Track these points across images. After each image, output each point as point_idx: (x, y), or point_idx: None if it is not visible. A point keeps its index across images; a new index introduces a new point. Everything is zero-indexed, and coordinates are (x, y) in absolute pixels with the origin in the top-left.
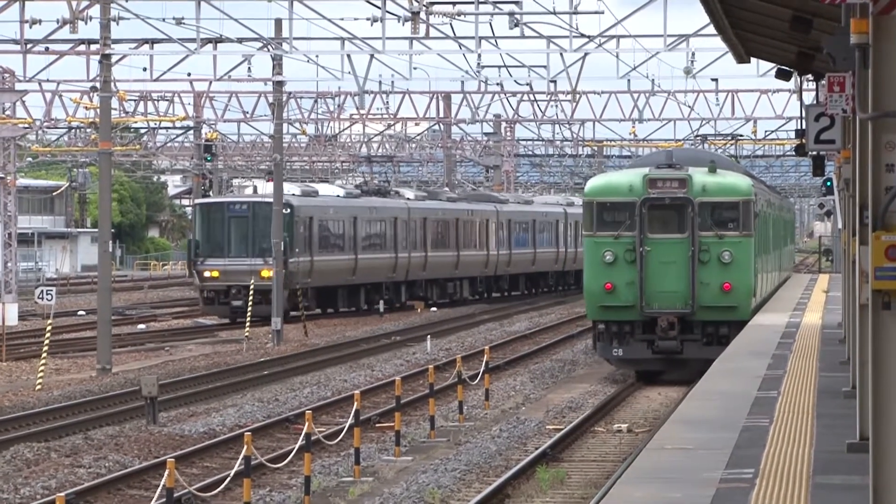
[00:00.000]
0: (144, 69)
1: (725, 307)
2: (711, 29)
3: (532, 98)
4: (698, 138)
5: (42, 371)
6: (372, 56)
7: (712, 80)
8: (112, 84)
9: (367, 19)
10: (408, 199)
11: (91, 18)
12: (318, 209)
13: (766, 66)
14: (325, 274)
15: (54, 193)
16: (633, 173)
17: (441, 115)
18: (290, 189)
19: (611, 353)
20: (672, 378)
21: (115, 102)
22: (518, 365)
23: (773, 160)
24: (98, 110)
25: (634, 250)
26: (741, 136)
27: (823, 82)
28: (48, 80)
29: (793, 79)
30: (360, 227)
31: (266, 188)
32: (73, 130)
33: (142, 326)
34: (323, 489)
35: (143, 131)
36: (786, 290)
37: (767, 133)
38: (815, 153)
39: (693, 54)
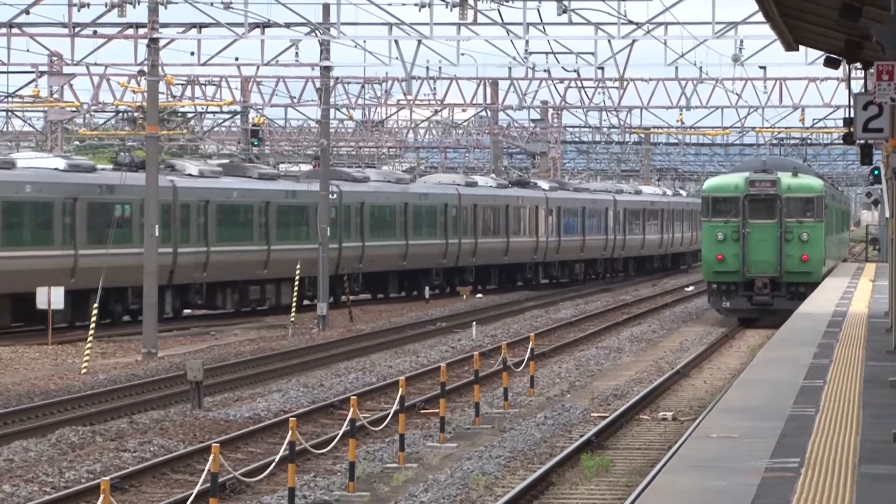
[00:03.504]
0: (192, 53)
1: (804, 272)
2: (760, 16)
3: (579, 85)
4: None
5: (88, 355)
6: (419, 42)
7: (760, 67)
8: (160, 68)
9: (415, 5)
10: (189, 175)
11: (139, 2)
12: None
13: (814, 54)
14: (8, 277)
15: None
16: (737, 176)
17: (488, 101)
18: None
19: (720, 304)
20: (764, 323)
21: (162, 86)
22: (563, 352)
23: (820, 149)
24: (145, 94)
25: (738, 231)
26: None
27: (872, 71)
28: (96, 64)
29: (841, 67)
30: (82, 212)
31: None
32: (121, 114)
33: None
34: (367, 475)
35: (190, 116)
36: (833, 279)
37: (815, 121)
38: (862, 142)
39: (741, 42)
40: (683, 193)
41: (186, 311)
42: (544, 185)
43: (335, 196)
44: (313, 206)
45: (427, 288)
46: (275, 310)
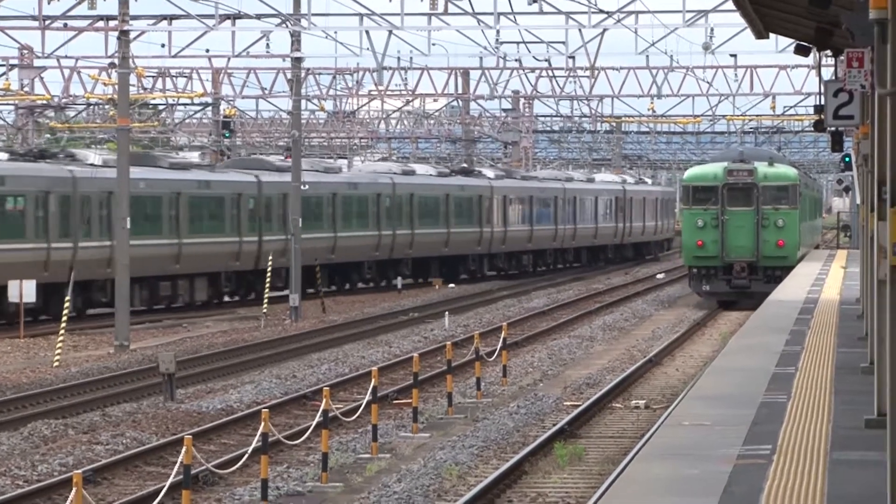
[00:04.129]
0: (163, 45)
1: (779, 257)
2: (730, 4)
3: (550, 74)
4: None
5: (60, 348)
6: (390, 32)
7: (731, 55)
8: (130, 60)
9: None
10: (91, 164)
11: None
12: None
13: (784, 41)
14: None
15: None
16: (716, 166)
17: (459, 91)
18: None
19: (700, 288)
20: (742, 306)
21: (133, 79)
22: (536, 341)
23: (791, 136)
24: (116, 87)
25: (717, 218)
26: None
27: (842, 58)
28: (66, 57)
29: (812, 54)
30: None
31: None
32: (92, 107)
33: None
34: (340, 466)
35: (161, 108)
36: (806, 265)
37: (786, 109)
38: (833, 129)
39: (712, 30)
40: (649, 181)
41: (90, 311)
42: (489, 173)
43: (254, 186)
44: (230, 196)
45: (399, 278)
46: (191, 306)
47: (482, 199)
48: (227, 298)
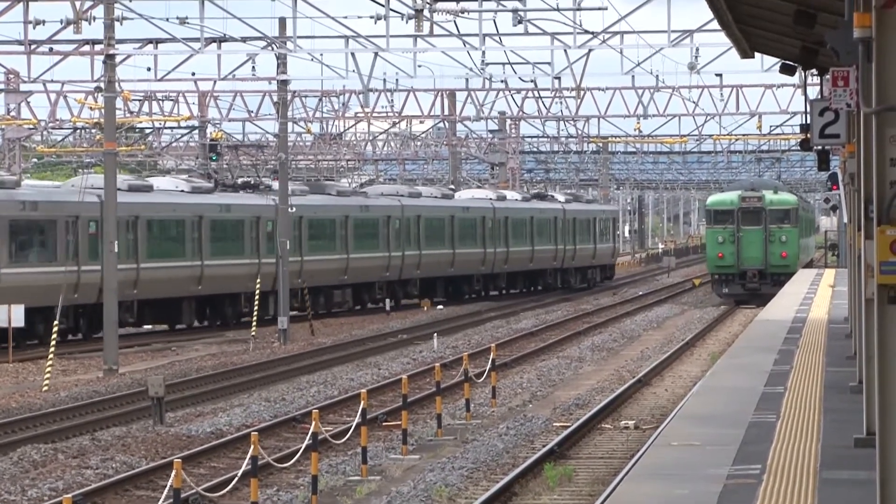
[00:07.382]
0: (149, 69)
1: (784, 265)
2: (715, 24)
3: (536, 95)
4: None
5: (48, 372)
6: (376, 54)
7: (716, 75)
8: (116, 84)
9: (371, 17)
10: None
11: (95, 19)
12: None
13: (770, 60)
14: None
15: None
16: (732, 194)
17: (446, 112)
18: None
19: (721, 290)
20: (755, 304)
21: (119, 103)
22: (524, 362)
23: (778, 155)
24: (103, 111)
25: (734, 235)
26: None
27: (827, 77)
28: (52, 81)
29: (797, 73)
30: None
31: None
32: (78, 131)
33: None
34: (330, 488)
35: (147, 131)
36: (793, 286)
37: (772, 128)
38: (819, 148)
39: (697, 50)
40: (558, 198)
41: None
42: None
43: None
44: None
45: (388, 300)
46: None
47: (260, 221)
48: None
